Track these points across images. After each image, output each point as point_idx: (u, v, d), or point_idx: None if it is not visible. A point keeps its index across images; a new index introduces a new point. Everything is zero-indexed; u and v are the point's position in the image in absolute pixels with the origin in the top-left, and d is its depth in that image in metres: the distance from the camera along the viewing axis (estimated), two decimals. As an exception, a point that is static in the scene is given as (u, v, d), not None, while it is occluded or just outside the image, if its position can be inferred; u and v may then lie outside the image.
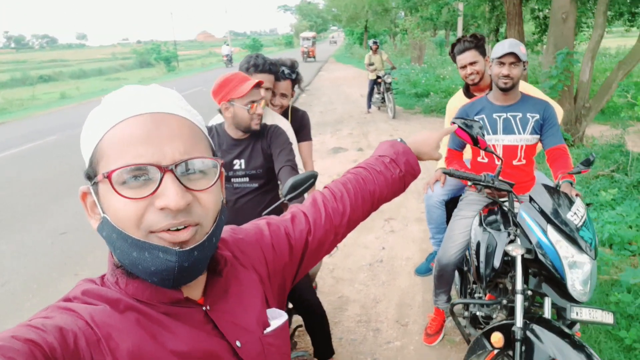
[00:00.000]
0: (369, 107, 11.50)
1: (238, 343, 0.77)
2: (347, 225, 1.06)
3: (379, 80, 10.70)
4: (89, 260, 4.31)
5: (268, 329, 0.84)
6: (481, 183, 2.12)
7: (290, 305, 2.49)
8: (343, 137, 9.06)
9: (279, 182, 2.24)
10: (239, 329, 0.79)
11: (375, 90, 11.20)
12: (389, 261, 4.02)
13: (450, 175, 2.07)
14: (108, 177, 0.65)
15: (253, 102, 2.09)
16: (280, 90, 2.66)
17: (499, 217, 2.37)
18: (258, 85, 2.10)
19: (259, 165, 2.24)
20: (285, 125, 2.52)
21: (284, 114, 2.77)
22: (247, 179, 2.26)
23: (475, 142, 2.04)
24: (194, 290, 0.77)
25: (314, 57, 36.93)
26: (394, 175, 1.13)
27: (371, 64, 10.64)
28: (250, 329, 0.81)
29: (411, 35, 17.20)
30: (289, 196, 1.71)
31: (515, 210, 2.15)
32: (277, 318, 0.87)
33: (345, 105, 13.09)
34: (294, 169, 2.14)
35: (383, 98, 11.01)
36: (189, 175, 0.69)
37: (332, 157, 7.57)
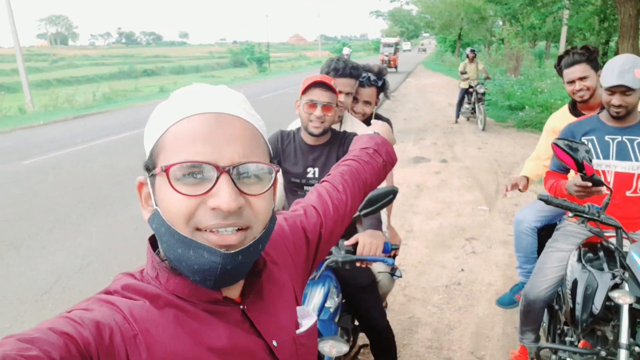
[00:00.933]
0: (457, 116, 11.05)
1: (275, 342, 0.77)
2: (350, 213, 1.11)
3: (471, 89, 10.25)
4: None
5: (301, 329, 0.85)
6: (584, 215, 1.86)
7: (356, 322, 2.36)
8: (426, 146, 8.75)
9: None
10: (275, 329, 0.79)
11: (466, 100, 10.74)
12: (468, 285, 3.75)
13: (548, 203, 1.83)
14: (166, 170, 0.65)
15: (312, 102, 1.96)
16: (364, 98, 2.53)
17: (602, 254, 2.07)
18: (324, 86, 1.97)
19: None
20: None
21: (367, 121, 2.64)
22: None
23: (580, 167, 1.79)
24: (233, 289, 0.76)
25: (396, 67, 30.35)
26: (379, 164, 1.21)
27: (464, 72, 10.21)
28: (285, 328, 0.81)
29: (508, 45, 16.33)
30: (364, 211, 1.59)
31: (625, 250, 1.86)
32: (306, 317, 0.88)
33: (431, 114, 12.69)
34: None
35: (473, 108, 10.52)
36: (244, 178, 0.68)
37: (412, 167, 7.31)
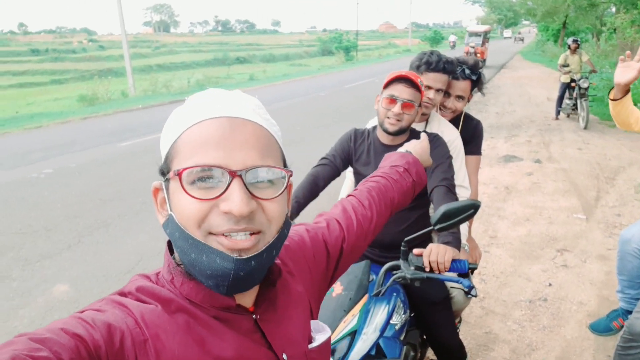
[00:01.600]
0: (557, 113, 10.18)
1: (284, 355, 0.77)
2: (374, 231, 1.09)
3: (573, 84, 9.37)
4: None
5: (313, 344, 0.84)
6: None
7: (425, 337, 2.19)
8: (519, 144, 8.15)
9: (430, 201, 1.93)
10: (286, 341, 0.78)
11: (567, 95, 9.84)
12: (555, 302, 3.39)
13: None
14: (179, 174, 0.65)
15: (392, 97, 1.82)
16: (457, 92, 2.30)
17: None
18: (408, 82, 1.81)
19: None
20: (452, 135, 2.17)
21: (455, 120, 2.41)
22: None
23: None
24: (246, 297, 0.76)
25: (484, 60, 24.30)
26: (407, 184, 1.18)
27: (565, 65, 9.36)
28: (296, 342, 0.81)
29: (621, 34, 14.77)
30: (439, 225, 1.42)
31: None
32: (320, 332, 0.88)
33: (527, 108, 11.84)
34: (450, 190, 1.81)
35: (575, 104, 9.62)
36: (257, 183, 0.68)
37: (502, 166, 6.83)
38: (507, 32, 73.04)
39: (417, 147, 1.30)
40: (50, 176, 6.85)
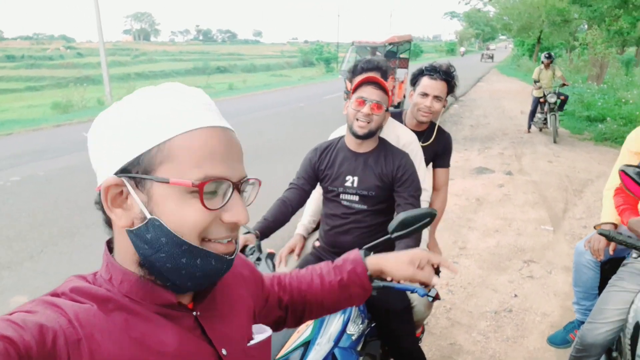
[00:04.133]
0: (529, 126, 10.39)
1: (224, 351, 0.79)
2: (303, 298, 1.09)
3: (543, 99, 9.60)
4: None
5: (252, 342, 0.86)
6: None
7: (386, 348, 2.18)
8: (492, 156, 8.28)
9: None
10: (226, 338, 0.81)
11: (539, 109, 10.06)
12: (520, 313, 3.42)
13: (610, 239, 1.56)
14: (199, 186, 0.66)
15: (361, 99, 1.84)
16: (434, 92, 2.30)
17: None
18: (375, 85, 1.85)
19: (371, 185, 1.97)
20: (409, 137, 2.22)
21: (429, 131, 2.43)
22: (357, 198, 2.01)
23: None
24: (185, 295, 0.77)
25: (398, 105, 12.03)
26: (332, 281, 1.08)
27: (537, 80, 9.58)
28: (236, 339, 0.83)
29: (592, 50, 15.20)
30: (396, 234, 1.42)
31: None
32: (261, 333, 0.90)
33: (501, 121, 12.06)
34: (415, 206, 1.86)
35: (545, 119, 9.82)
36: (243, 192, 0.74)
37: (474, 178, 6.91)
38: (493, 46, 71.33)
39: (390, 253, 1.13)
40: (17, 184, 6.68)
